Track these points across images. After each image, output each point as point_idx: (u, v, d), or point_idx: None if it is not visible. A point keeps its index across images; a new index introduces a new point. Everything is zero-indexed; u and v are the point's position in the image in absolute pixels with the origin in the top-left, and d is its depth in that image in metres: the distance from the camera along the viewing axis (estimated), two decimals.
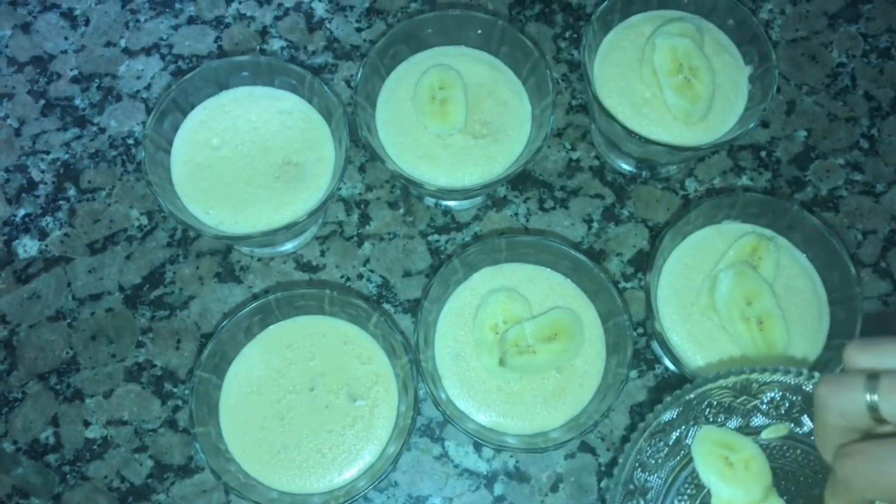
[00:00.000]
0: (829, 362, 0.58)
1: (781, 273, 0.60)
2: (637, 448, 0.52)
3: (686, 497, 0.53)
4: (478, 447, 0.61)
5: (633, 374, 0.63)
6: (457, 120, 0.62)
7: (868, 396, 0.36)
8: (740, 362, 0.58)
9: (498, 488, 0.60)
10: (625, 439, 0.61)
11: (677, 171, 0.68)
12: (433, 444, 0.61)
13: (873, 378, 0.37)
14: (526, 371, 0.57)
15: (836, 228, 0.66)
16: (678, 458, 0.53)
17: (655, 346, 0.63)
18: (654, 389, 0.63)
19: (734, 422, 0.54)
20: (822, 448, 0.40)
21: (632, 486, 0.52)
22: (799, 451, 0.53)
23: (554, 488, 0.60)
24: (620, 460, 0.53)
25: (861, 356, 0.38)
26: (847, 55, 0.73)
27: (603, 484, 0.60)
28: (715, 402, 0.53)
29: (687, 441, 0.53)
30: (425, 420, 0.62)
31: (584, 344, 0.58)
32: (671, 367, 0.61)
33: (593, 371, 0.58)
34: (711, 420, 0.53)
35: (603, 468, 0.61)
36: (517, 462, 0.61)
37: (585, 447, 0.61)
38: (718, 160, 0.69)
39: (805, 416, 0.52)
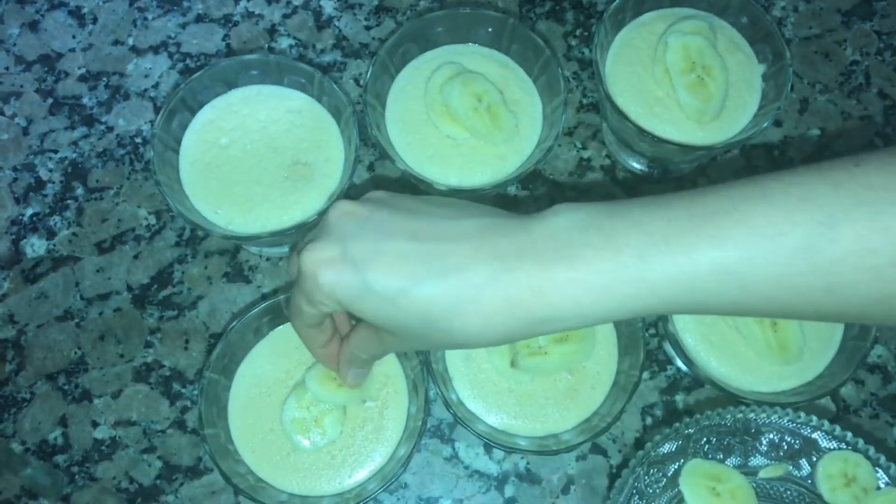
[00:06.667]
0: (843, 364, 0.57)
1: None
2: (635, 475, 0.54)
3: None
4: (488, 448, 0.61)
5: (645, 375, 0.62)
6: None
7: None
8: (754, 364, 0.58)
9: (509, 490, 0.60)
10: (637, 441, 0.61)
11: (690, 170, 0.68)
12: (443, 446, 0.61)
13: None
14: (537, 372, 0.56)
15: None
16: (675, 490, 0.54)
17: (668, 346, 0.62)
18: (666, 391, 0.62)
19: (732, 460, 0.55)
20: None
21: None
22: (794, 492, 0.55)
23: (565, 490, 0.60)
24: (617, 485, 0.54)
25: None
26: (861, 53, 0.72)
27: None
28: (714, 440, 0.55)
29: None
30: (436, 421, 0.61)
31: (595, 345, 0.58)
32: (684, 368, 0.61)
33: (605, 373, 0.58)
34: (711, 457, 0.55)
35: (614, 470, 0.60)
36: (528, 463, 0.60)
37: (597, 449, 0.61)
38: (731, 159, 0.68)
39: (803, 459, 0.55)
